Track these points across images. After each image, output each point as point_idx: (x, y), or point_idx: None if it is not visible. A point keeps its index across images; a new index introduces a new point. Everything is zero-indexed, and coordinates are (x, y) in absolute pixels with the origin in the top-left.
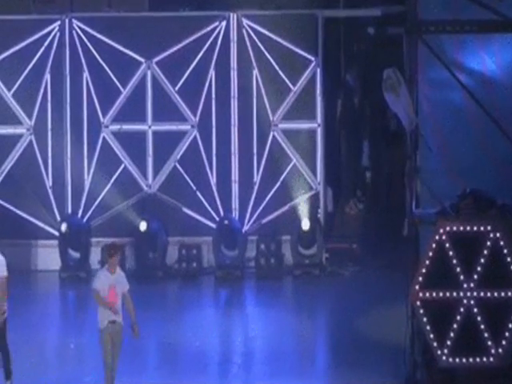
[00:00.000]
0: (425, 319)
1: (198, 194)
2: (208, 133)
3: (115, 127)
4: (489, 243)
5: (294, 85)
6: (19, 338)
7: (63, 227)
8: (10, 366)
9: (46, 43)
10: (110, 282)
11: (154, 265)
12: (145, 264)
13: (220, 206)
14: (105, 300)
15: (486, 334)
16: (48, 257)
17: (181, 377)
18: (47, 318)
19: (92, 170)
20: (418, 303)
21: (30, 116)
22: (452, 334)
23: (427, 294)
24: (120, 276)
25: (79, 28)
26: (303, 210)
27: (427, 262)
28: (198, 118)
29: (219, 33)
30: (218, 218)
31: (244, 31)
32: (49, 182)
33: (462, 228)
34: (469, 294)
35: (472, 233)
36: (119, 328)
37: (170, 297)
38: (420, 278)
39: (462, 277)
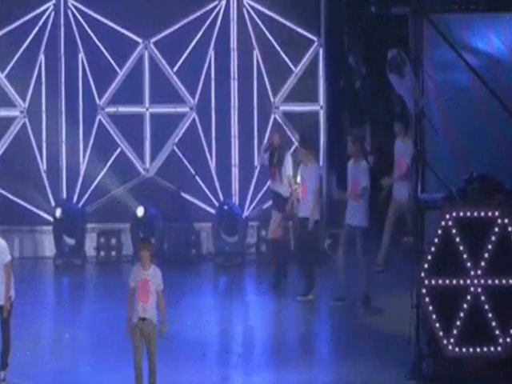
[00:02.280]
0: (430, 308)
1: (197, 178)
2: (207, 115)
3: (111, 109)
4: (497, 229)
5: (295, 66)
6: (12, 328)
7: (58, 213)
8: (8, 358)
9: (40, 23)
10: (142, 277)
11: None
12: None
13: (219, 191)
14: (132, 301)
15: (493, 323)
16: (42, 243)
17: (179, 366)
18: (41, 307)
19: (87, 154)
20: (424, 291)
21: (23, 98)
22: (458, 323)
23: (433, 282)
24: (155, 273)
25: (74, 7)
26: None
27: (433, 249)
28: (196, 100)
29: (219, 12)
30: (217, 203)
31: (244, 10)
32: (43, 166)
33: (468, 213)
34: (476, 281)
35: (479, 218)
36: (150, 326)
37: (168, 284)
38: (426, 265)
39: (468, 264)
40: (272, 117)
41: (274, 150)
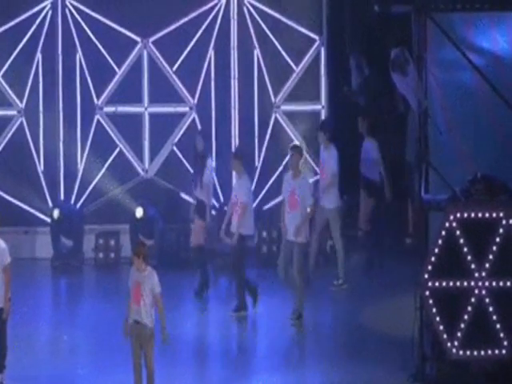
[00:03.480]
0: (434, 310)
1: None
2: (207, 115)
3: (110, 109)
4: (501, 230)
5: (297, 65)
6: (10, 330)
7: (55, 214)
8: (4, 361)
9: (38, 21)
10: (136, 279)
11: (151, 253)
12: None
13: (220, 192)
14: (129, 300)
15: (498, 326)
16: (39, 244)
17: (178, 369)
18: (38, 309)
19: (85, 154)
20: (427, 293)
21: (20, 98)
22: (462, 326)
23: (437, 284)
24: (150, 276)
25: (72, 6)
26: None
27: (437, 250)
28: (196, 100)
29: (219, 10)
30: (217, 204)
31: (245, 9)
32: (40, 167)
33: (473, 214)
34: (480, 283)
35: (483, 219)
36: (144, 330)
37: (167, 286)
38: (429, 267)
39: (473, 265)
40: (273, 117)
41: (198, 156)
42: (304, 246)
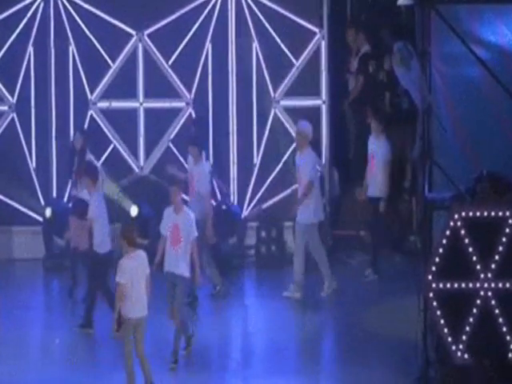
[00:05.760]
0: (438, 312)
1: None
2: (204, 110)
3: (104, 104)
4: (507, 230)
5: (296, 59)
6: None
7: (47, 212)
8: None
9: (29, 14)
10: None
11: (146, 252)
12: None
13: (217, 190)
14: None
15: (504, 329)
16: (31, 244)
17: (176, 372)
18: (30, 311)
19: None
20: (431, 295)
21: (11, 92)
22: (468, 329)
23: (441, 285)
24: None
25: None
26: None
27: (441, 251)
28: (193, 95)
29: (216, 2)
30: (214, 203)
31: (243, 0)
32: (32, 164)
33: (478, 213)
34: (486, 284)
35: (489, 219)
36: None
37: (162, 287)
38: (433, 268)
39: (478, 266)
40: (272, 112)
41: (77, 154)
42: (188, 281)
